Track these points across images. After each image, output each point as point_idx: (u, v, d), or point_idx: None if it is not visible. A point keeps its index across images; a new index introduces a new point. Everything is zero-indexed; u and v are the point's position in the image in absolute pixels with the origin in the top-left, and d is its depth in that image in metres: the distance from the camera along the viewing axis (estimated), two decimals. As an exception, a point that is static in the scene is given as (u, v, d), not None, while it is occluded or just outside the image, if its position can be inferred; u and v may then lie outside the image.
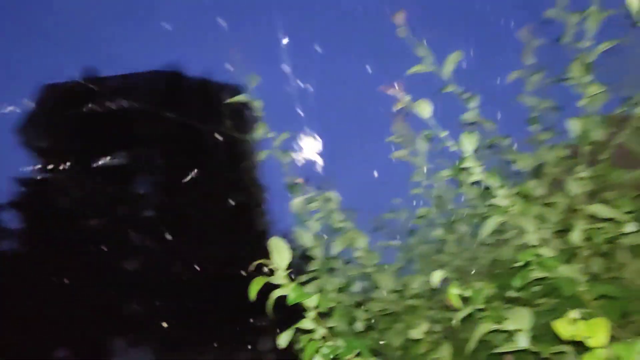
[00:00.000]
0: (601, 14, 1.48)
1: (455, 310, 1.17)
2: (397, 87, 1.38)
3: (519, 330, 1.13)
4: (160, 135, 22.72)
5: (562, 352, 1.18)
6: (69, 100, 21.84)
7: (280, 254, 1.18)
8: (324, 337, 1.16)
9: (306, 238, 1.76)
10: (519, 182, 1.75)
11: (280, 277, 1.18)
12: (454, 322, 1.22)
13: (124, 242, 21.28)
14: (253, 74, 1.80)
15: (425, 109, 1.36)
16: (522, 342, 1.12)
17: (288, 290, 1.17)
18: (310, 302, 1.18)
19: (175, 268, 20.94)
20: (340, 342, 1.15)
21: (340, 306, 1.65)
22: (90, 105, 21.46)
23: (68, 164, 20.74)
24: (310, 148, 2.30)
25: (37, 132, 21.97)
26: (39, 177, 20.78)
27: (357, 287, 1.87)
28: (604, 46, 1.48)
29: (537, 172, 1.68)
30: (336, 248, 1.80)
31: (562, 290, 1.17)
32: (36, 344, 19.09)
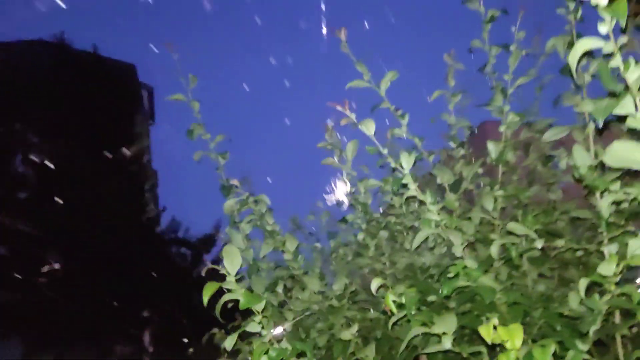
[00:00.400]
0: (520, 52, 1.66)
1: (388, 313, 1.27)
2: (345, 104, 1.46)
3: (445, 333, 1.25)
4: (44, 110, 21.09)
5: (479, 352, 1.33)
6: None
7: (231, 260, 1.21)
8: (269, 341, 1.22)
9: (237, 239, 1.79)
10: (440, 195, 1.91)
11: (231, 283, 1.21)
12: (389, 325, 1.32)
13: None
14: (191, 75, 1.80)
15: (369, 127, 1.45)
16: (447, 344, 1.25)
17: (239, 295, 1.20)
18: (259, 306, 1.22)
19: (52, 256, 19.59)
20: (285, 345, 1.20)
21: (267, 305, 1.70)
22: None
23: None
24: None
25: None
26: None
27: (280, 287, 1.93)
28: (522, 80, 1.66)
29: (455, 186, 1.83)
30: (264, 250, 1.84)
31: (483, 298, 1.32)
32: None
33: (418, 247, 1.82)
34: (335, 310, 1.80)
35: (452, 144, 2.04)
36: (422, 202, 1.46)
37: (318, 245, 2.19)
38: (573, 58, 0.95)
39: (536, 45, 1.71)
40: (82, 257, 17.16)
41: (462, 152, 2.02)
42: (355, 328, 1.54)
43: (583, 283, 1.14)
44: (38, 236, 19.09)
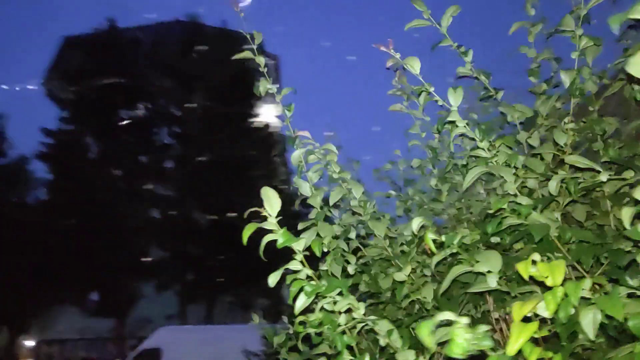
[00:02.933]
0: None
1: (428, 252, 1.26)
2: (389, 44, 1.43)
3: (490, 272, 1.22)
4: (177, 87, 22.73)
5: (530, 292, 1.28)
6: (91, 53, 21.85)
7: (270, 202, 1.27)
8: (309, 277, 1.27)
9: (305, 188, 1.85)
10: (513, 133, 1.81)
11: (271, 224, 1.28)
12: (432, 265, 1.31)
13: (145, 192, 21.71)
14: (255, 30, 1.86)
15: (414, 65, 1.42)
16: (492, 282, 1.21)
17: (277, 235, 1.27)
18: (298, 245, 1.28)
19: (195, 217, 21.31)
20: (323, 282, 1.25)
21: (335, 252, 1.75)
22: (111, 58, 21.47)
23: (91, 115, 21.00)
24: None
25: (61, 83, 22.18)
26: (64, 128, 21.11)
27: (353, 234, 1.96)
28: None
29: (530, 123, 1.72)
30: (333, 198, 1.89)
31: (534, 235, 1.25)
32: (67, 289, 19.91)
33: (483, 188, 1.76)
34: (405, 256, 1.80)
35: (533, 80, 1.89)
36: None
37: (392, 192, 2.18)
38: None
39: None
40: (224, 216, 18.47)
41: (544, 87, 1.87)
42: (408, 269, 1.54)
43: (627, 213, 1.04)
44: (182, 199, 20.91)
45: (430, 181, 2.01)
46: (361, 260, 1.91)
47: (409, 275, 1.55)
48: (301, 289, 1.23)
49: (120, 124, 21.53)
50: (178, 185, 21.47)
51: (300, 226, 1.86)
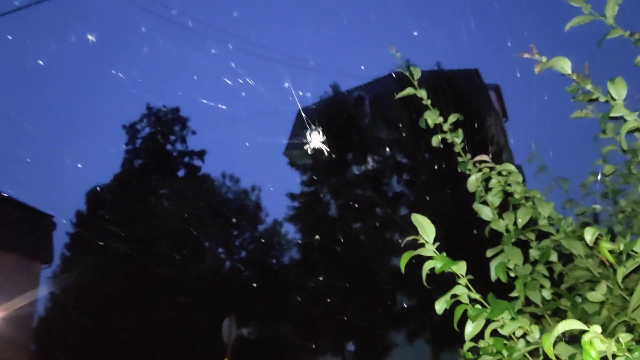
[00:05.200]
0: None
1: (606, 264, 1.11)
2: (532, 50, 1.36)
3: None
4: (402, 137, 23.44)
5: None
6: (322, 118, 24.11)
7: (424, 229, 1.29)
8: (474, 301, 1.23)
9: (486, 213, 1.79)
10: None
11: (429, 250, 1.29)
12: (618, 278, 1.16)
13: (383, 241, 22.48)
14: (413, 66, 1.92)
15: (565, 65, 1.31)
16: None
17: (436, 261, 1.27)
18: (458, 269, 1.26)
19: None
20: (488, 306, 1.20)
21: (524, 276, 1.64)
22: (339, 120, 23.33)
23: (328, 175, 22.93)
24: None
25: (299, 151, 24.88)
26: (305, 191, 23.42)
27: (554, 256, 1.81)
28: None
29: None
30: (521, 218, 1.78)
31: None
32: (323, 338, 21.42)
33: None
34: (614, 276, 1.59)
35: None
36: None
37: (598, 207, 1.95)
38: None
39: None
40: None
41: None
42: (603, 288, 1.36)
43: None
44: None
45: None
46: (564, 285, 1.74)
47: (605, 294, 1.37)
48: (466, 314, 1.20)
49: (354, 179, 23.02)
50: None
51: (489, 253, 1.79)
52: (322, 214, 22.77)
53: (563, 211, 1.90)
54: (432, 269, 1.28)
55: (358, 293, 20.17)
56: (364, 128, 23.76)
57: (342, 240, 21.23)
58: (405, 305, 21.82)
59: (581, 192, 1.99)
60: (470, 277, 1.26)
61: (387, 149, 24.08)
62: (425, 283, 1.28)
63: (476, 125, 22.64)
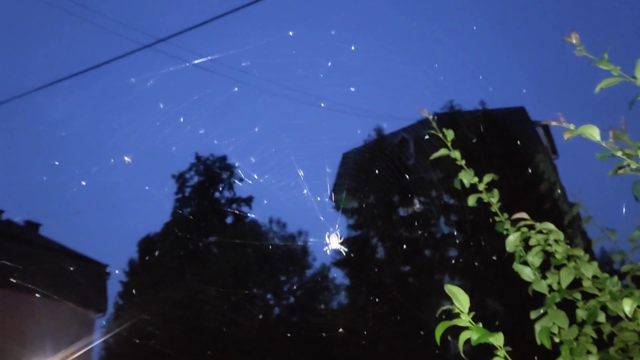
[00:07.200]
0: None
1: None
2: (560, 118, 1.36)
3: None
4: (446, 177, 23.23)
5: None
6: (365, 163, 24.20)
7: (459, 299, 1.28)
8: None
9: (526, 274, 1.76)
10: None
11: (464, 320, 1.28)
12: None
13: (436, 283, 21.99)
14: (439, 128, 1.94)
15: (593, 132, 1.31)
16: None
17: (473, 332, 1.26)
18: (496, 340, 1.24)
19: (489, 304, 20.64)
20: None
21: (569, 341, 1.59)
22: (383, 162, 23.38)
23: (374, 217, 22.80)
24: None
25: (345, 196, 24.94)
26: (352, 235, 23.34)
27: (602, 317, 1.75)
28: None
29: None
30: (564, 280, 1.74)
31: None
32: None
33: None
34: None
35: None
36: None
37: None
38: None
39: None
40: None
41: None
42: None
43: None
44: (473, 288, 20.40)
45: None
46: (613, 349, 1.67)
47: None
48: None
49: (401, 221, 22.79)
50: (463, 273, 21.28)
51: (532, 315, 1.75)
52: (370, 257, 22.55)
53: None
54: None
55: (413, 338, 19.66)
56: (410, 169, 23.68)
57: (391, 283, 20.90)
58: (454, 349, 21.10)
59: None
60: (508, 348, 1.24)
61: (434, 190, 23.88)
62: (462, 354, 1.27)
63: (523, 161, 22.21)
